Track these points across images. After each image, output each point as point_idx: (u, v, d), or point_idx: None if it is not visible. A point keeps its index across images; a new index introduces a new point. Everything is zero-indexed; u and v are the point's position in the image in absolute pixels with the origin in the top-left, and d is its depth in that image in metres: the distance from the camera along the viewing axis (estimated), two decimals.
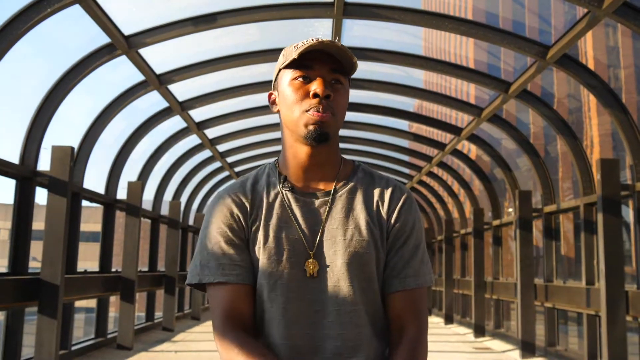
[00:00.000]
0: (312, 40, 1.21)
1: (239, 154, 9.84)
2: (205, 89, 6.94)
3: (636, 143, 5.31)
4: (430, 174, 10.49)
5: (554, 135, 6.58)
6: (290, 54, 1.23)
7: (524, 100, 6.34)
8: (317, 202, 1.25)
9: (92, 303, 7.61)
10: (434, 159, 9.44)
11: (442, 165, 9.79)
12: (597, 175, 5.42)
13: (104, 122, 6.28)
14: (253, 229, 1.24)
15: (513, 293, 8.00)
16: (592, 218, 6.26)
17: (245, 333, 1.20)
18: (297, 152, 1.26)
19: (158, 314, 9.57)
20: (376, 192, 1.29)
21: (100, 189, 7.04)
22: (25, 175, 5.06)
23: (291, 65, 1.23)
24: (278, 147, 9.76)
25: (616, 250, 5.17)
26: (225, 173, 10.90)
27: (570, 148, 6.46)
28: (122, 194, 7.47)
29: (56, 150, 5.18)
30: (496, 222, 9.16)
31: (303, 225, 1.23)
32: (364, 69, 6.65)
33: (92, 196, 6.73)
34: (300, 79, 1.22)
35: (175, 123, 7.71)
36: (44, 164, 6.94)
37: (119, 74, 6.79)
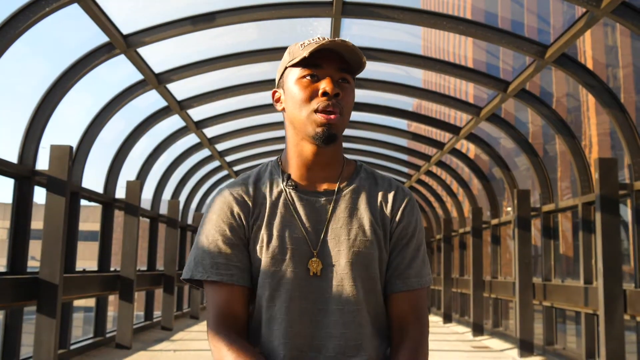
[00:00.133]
0: (320, 38, 1.21)
1: (238, 152, 9.84)
2: (204, 88, 6.94)
3: (634, 142, 5.32)
4: (429, 173, 10.49)
5: (553, 135, 6.59)
6: (297, 52, 1.23)
7: (523, 100, 6.35)
8: (320, 201, 1.25)
9: (90, 302, 7.61)
10: (433, 158, 9.45)
11: (441, 164, 9.80)
12: (595, 175, 5.42)
13: (102, 121, 6.28)
14: (255, 227, 1.24)
15: (511, 292, 8.02)
16: (591, 217, 6.28)
17: (236, 334, 1.20)
18: (303, 151, 1.25)
19: (157, 313, 9.57)
20: (379, 193, 1.29)
21: (99, 188, 7.04)
22: (23, 174, 5.06)
23: (299, 63, 1.22)
24: (277, 146, 9.76)
25: (614, 249, 5.18)
26: (224, 172, 10.90)
27: (569, 147, 6.47)
28: (120, 193, 7.47)
29: (55, 150, 5.18)
30: (495, 221, 9.17)
31: (307, 224, 1.23)
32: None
33: (91, 195, 6.72)
34: (308, 78, 1.22)
35: (173, 122, 7.71)
36: (43, 163, 6.94)
37: (117, 73, 6.80)
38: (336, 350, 1.19)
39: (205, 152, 9.33)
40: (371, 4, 5.13)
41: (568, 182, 18.73)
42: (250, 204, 1.25)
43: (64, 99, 5.29)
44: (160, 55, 5.95)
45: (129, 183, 7.48)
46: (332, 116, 1.20)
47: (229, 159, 10.09)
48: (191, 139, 8.53)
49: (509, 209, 9.62)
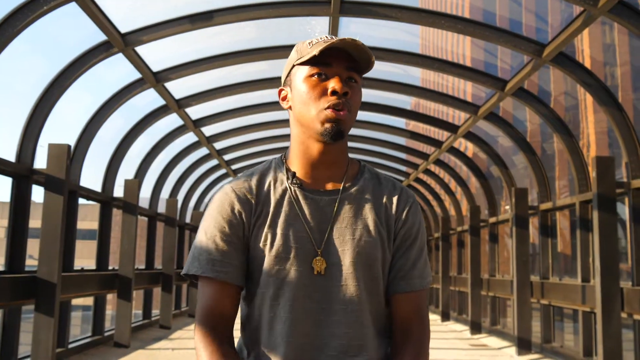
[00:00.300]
0: (328, 37, 1.21)
1: (236, 151, 9.84)
2: (202, 86, 6.94)
3: (631, 141, 5.34)
4: (427, 172, 10.51)
5: (551, 133, 6.60)
6: (305, 50, 1.23)
7: (520, 98, 6.36)
8: (325, 200, 1.25)
9: (89, 301, 7.60)
10: (431, 156, 9.46)
11: (439, 162, 9.81)
12: (592, 173, 5.44)
13: (100, 119, 6.28)
14: (257, 225, 1.24)
15: (509, 290, 8.04)
16: (588, 216, 6.29)
17: (221, 337, 1.20)
18: (309, 149, 1.25)
19: (155, 312, 9.58)
20: (383, 193, 1.30)
21: (97, 186, 7.04)
22: (21, 173, 5.05)
23: (307, 61, 1.22)
24: (275, 144, 9.76)
25: (611, 247, 5.20)
26: (222, 171, 10.90)
27: (566, 146, 6.48)
28: (119, 191, 7.47)
29: (53, 148, 5.17)
30: (492, 220, 9.19)
31: (311, 223, 1.23)
32: None
33: (89, 194, 6.72)
34: (316, 76, 1.22)
35: (172, 121, 7.71)
36: (41, 161, 6.94)
37: (115, 71, 6.79)
38: (338, 349, 1.19)
39: (203, 151, 9.33)
40: (369, 3, 5.13)
41: (566, 180, 18.77)
42: (252, 201, 1.25)
43: (62, 98, 5.29)
44: (158, 53, 5.95)
45: (127, 182, 7.48)
46: (341, 112, 1.20)
47: (227, 157, 10.09)
48: (189, 138, 8.53)
49: (507, 207, 9.64)
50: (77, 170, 6.22)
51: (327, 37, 1.22)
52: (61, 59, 5.26)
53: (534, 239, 9.48)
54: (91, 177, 7.32)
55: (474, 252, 9.31)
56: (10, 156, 5.00)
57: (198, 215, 11.58)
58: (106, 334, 7.21)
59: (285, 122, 8.51)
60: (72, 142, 5.89)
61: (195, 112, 7.66)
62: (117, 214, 7.74)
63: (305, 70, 1.23)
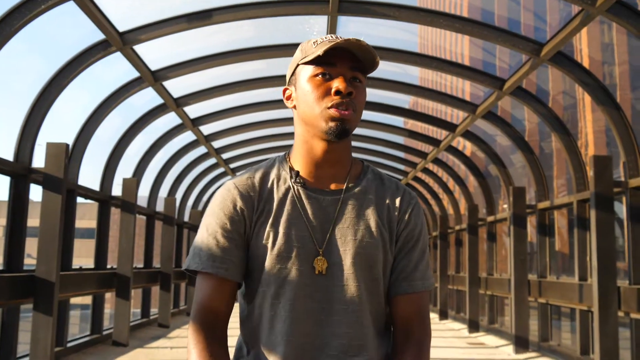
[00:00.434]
0: (333, 37, 1.21)
1: (234, 150, 9.84)
2: (200, 85, 6.94)
3: (629, 140, 5.35)
4: (426, 171, 10.52)
5: (549, 132, 6.61)
6: (310, 49, 1.23)
7: (518, 97, 6.37)
8: (328, 200, 1.25)
9: (87, 300, 7.61)
10: (429, 155, 9.47)
11: (437, 161, 9.82)
12: (590, 172, 5.45)
13: (98, 118, 6.27)
14: (259, 222, 1.24)
15: (507, 289, 8.05)
16: (585, 215, 6.31)
17: (213, 334, 1.20)
18: (313, 148, 1.25)
19: (154, 311, 9.58)
20: (386, 194, 1.30)
21: (95, 185, 7.04)
22: (19, 172, 5.05)
23: (311, 61, 1.22)
24: (273, 143, 9.77)
25: (608, 246, 5.21)
26: (221, 169, 10.90)
27: (564, 145, 6.49)
28: (117, 190, 7.47)
29: (51, 147, 5.17)
30: (490, 218, 9.20)
31: (313, 222, 1.23)
32: None
33: (87, 193, 6.72)
34: (320, 76, 1.22)
35: (170, 120, 7.71)
36: (39, 160, 6.93)
37: (113, 70, 6.80)
38: (339, 349, 1.19)
39: (201, 150, 9.33)
40: (367, 2, 5.13)
41: (564, 179, 18.79)
42: (255, 198, 1.25)
43: (60, 97, 5.29)
44: (157, 52, 5.95)
45: (125, 181, 7.47)
46: (346, 112, 1.20)
47: (225, 156, 10.09)
48: (187, 137, 8.53)
49: (505, 206, 9.67)
50: (75, 169, 6.22)
51: (332, 37, 1.22)
52: (59, 58, 5.24)
53: (532, 237, 9.50)
54: (89, 176, 7.32)
55: (472, 251, 9.33)
56: (9, 155, 5.00)
57: (196, 214, 11.58)
58: (105, 332, 7.21)
59: (283, 121, 8.51)
60: (70, 141, 5.89)
61: (194, 110, 7.66)
62: (115, 213, 7.74)
63: (310, 69, 1.23)
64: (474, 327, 9.13)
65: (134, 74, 6.02)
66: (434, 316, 11.58)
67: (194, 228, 11.45)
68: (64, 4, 4.29)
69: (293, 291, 1.20)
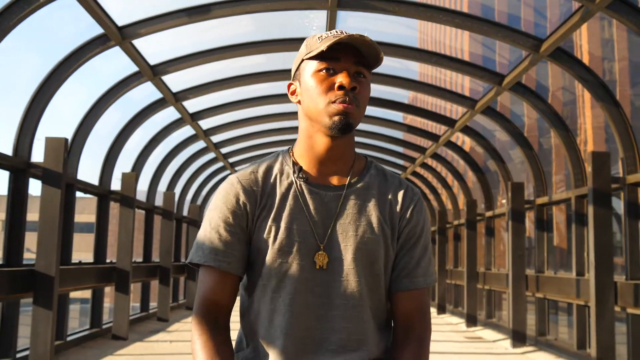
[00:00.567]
0: (338, 32, 1.22)
1: (233, 144, 9.84)
2: (199, 80, 6.93)
3: (627, 137, 5.36)
4: (425, 166, 10.53)
5: (548, 128, 6.63)
6: (314, 44, 1.23)
7: (518, 93, 6.38)
8: (330, 195, 1.26)
9: (86, 294, 7.63)
10: (428, 150, 9.48)
11: (436, 156, 9.83)
12: (588, 168, 5.47)
13: (97, 113, 6.27)
14: (261, 217, 1.24)
15: (505, 283, 8.08)
16: (583, 210, 6.33)
17: (216, 325, 1.22)
18: (316, 143, 1.26)
19: (153, 305, 9.61)
20: (389, 190, 1.30)
21: (94, 180, 7.04)
22: (18, 166, 5.06)
23: (316, 56, 1.23)
24: (272, 138, 9.77)
25: (606, 242, 5.24)
26: (220, 164, 10.90)
27: (563, 141, 6.50)
28: (116, 185, 7.48)
29: (50, 142, 5.17)
30: (489, 214, 9.22)
31: (315, 217, 1.24)
32: None
33: (86, 187, 6.73)
34: (324, 71, 1.22)
35: (169, 114, 7.70)
36: (38, 155, 6.92)
37: (112, 65, 6.77)
38: (338, 344, 1.20)
39: (200, 144, 9.33)
40: None
41: (563, 175, 18.82)
42: (258, 193, 1.26)
43: (59, 91, 5.28)
44: (156, 47, 5.94)
45: (124, 175, 7.48)
46: (350, 106, 1.21)
47: (224, 150, 10.10)
48: (186, 131, 8.53)
49: (504, 201, 9.68)
50: (75, 164, 6.22)
51: (336, 32, 1.22)
52: (58, 53, 5.23)
53: (530, 233, 9.53)
54: (88, 170, 7.32)
55: (470, 246, 9.35)
56: (7, 150, 5.00)
57: (195, 209, 11.59)
58: (104, 326, 7.23)
59: (282, 115, 8.52)
60: (69, 136, 5.89)
61: (193, 105, 7.65)
62: (114, 207, 7.75)
63: (314, 64, 1.24)
64: (471, 321, 9.17)
65: (132, 68, 6.02)
66: (432, 310, 11.62)
67: (193, 222, 11.47)
68: None
69: (293, 285, 1.20)
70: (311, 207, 1.24)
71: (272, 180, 1.28)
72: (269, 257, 1.22)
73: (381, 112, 8.36)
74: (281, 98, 7.70)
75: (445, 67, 6.34)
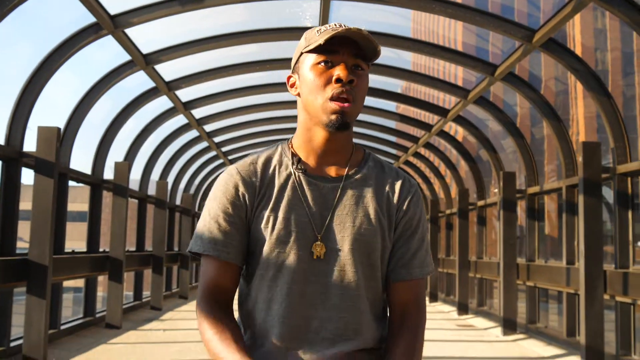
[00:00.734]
0: (336, 25, 1.23)
1: (226, 133, 9.82)
2: (192, 69, 6.90)
3: (618, 127, 5.41)
4: (417, 155, 10.57)
5: (541, 118, 6.67)
6: (313, 38, 1.24)
7: (510, 83, 6.40)
8: (328, 187, 1.27)
9: (79, 283, 7.64)
10: (421, 139, 9.51)
11: (429, 146, 9.87)
12: (579, 158, 5.52)
13: (90, 102, 6.24)
14: (259, 207, 1.26)
15: (496, 272, 8.17)
16: (574, 200, 6.39)
17: (222, 310, 1.24)
18: (314, 136, 1.28)
19: (146, 293, 9.63)
20: (386, 182, 1.32)
21: (87, 169, 7.02)
22: (11, 156, 5.04)
23: (314, 49, 1.24)
24: (265, 127, 9.76)
25: (596, 231, 5.30)
26: (212, 153, 10.89)
27: (554, 131, 6.55)
28: (109, 174, 7.46)
29: (42, 131, 5.15)
30: (481, 203, 9.29)
31: (313, 208, 1.25)
32: None
33: (79, 177, 6.71)
34: (323, 64, 1.23)
35: (162, 103, 7.67)
36: (30, 144, 6.89)
37: (104, 54, 6.74)
38: (334, 332, 1.23)
39: (193, 133, 9.31)
40: None
41: (555, 165, 18.93)
42: (257, 184, 1.27)
43: (51, 80, 5.25)
44: (148, 35, 5.90)
45: (117, 164, 7.46)
46: (346, 104, 1.22)
47: (217, 139, 10.08)
48: (179, 120, 8.50)
49: (496, 190, 9.75)
50: (67, 153, 6.20)
51: (335, 25, 1.24)
52: (50, 41, 5.19)
53: (522, 222, 9.61)
54: (81, 159, 7.29)
55: (462, 235, 9.43)
56: (0, 139, 4.98)
57: (188, 198, 11.59)
58: (98, 315, 7.26)
59: (275, 104, 8.50)
60: (61, 125, 5.85)
61: (186, 94, 7.63)
62: (107, 196, 7.74)
63: (313, 58, 1.25)
64: (463, 309, 9.27)
65: (125, 57, 5.98)
66: None
67: (185, 211, 11.47)
68: None
69: (291, 275, 1.22)
70: (309, 198, 1.26)
71: (271, 171, 1.29)
72: (266, 247, 1.24)
73: (374, 102, 8.37)
74: (274, 87, 7.69)
75: (439, 57, 6.35)
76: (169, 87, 7.01)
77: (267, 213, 1.25)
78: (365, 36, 1.20)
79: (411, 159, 11.03)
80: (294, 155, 1.30)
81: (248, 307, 1.29)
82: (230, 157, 11.51)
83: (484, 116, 8.45)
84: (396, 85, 8.34)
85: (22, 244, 5.98)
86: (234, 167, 1.31)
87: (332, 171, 1.30)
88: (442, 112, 8.17)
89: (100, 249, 7.52)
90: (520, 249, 8.16)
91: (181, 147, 9.64)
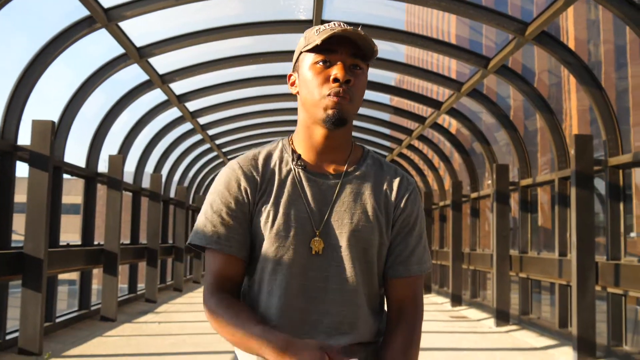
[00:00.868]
0: (335, 24, 1.25)
1: (220, 126, 9.82)
2: (186, 62, 6.89)
3: (610, 120, 5.46)
4: (411, 147, 10.60)
5: (534, 110, 6.70)
6: (312, 37, 1.26)
7: (503, 76, 6.43)
8: (327, 183, 1.30)
9: (74, 276, 7.64)
10: (415, 132, 9.54)
11: (423, 138, 9.90)
12: (571, 151, 5.56)
13: (84, 95, 6.22)
14: (260, 202, 1.29)
15: (489, 264, 8.24)
16: (566, 192, 6.45)
17: (232, 294, 1.27)
18: (313, 134, 1.30)
19: (141, 286, 9.65)
20: (384, 180, 1.34)
21: (81, 162, 7.01)
22: (5, 149, 5.03)
23: (313, 49, 1.26)
24: (258, 120, 9.76)
25: (588, 223, 5.36)
26: (206, 145, 10.88)
27: (547, 123, 6.59)
28: (103, 167, 7.45)
29: (36, 125, 5.14)
30: (474, 195, 9.34)
31: (312, 204, 1.28)
32: None
33: (73, 170, 6.70)
34: (321, 63, 1.26)
35: (155, 96, 7.66)
36: (25, 138, 6.87)
37: (98, 47, 6.70)
38: (331, 326, 1.25)
39: (187, 126, 9.30)
40: None
41: (548, 157, 19.03)
42: (258, 179, 1.30)
43: (45, 74, 5.23)
44: (142, 29, 5.88)
45: (111, 157, 7.45)
46: (343, 100, 1.24)
47: (211, 132, 10.07)
48: (173, 113, 8.49)
49: (489, 182, 9.81)
50: (61, 146, 6.19)
51: (334, 25, 1.26)
52: (43, 35, 5.17)
53: (514, 214, 9.68)
54: (75, 152, 7.27)
55: (456, 227, 9.49)
56: None
57: (182, 190, 11.59)
58: (93, 308, 7.27)
59: (269, 97, 8.50)
60: (55, 118, 5.84)
61: (179, 87, 7.61)
62: (101, 189, 7.73)
63: (311, 57, 1.27)
64: (456, 300, 9.35)
65: (119, 50, 5.96)
66: None
67: (180, 204, 11.47)
68: None
69: (289, 269, 1.25)
70: (309, 194, 1.29)
71: (272, 166, 1.32)
72: (266, 242, 1.27)
73: (368, 94, 8.37)
74: (268, 79, 7.69)
75: (432, 49, 6.37)
76: (163, 80, 7.00)
77: (267, 208, 1.28)
78: (362, 36, 1.23)
79: (405, 151, 11.06)
80: (294, 151, 1.33)
81: (249, 300, 1.32)
82: (224, 150, 11.50)
83: (477, 109, 8.49)
84: (390, 77, 8.35)
85: (16, 237, 5.96)
86: (235, 161, 1.33)
87: (331, 168, 1.33)
88: (435, 104, 8.19)
89: (95, 242, 7.52)
90: (513, 241, 8.23)
91: (175, 139, 9.62)
